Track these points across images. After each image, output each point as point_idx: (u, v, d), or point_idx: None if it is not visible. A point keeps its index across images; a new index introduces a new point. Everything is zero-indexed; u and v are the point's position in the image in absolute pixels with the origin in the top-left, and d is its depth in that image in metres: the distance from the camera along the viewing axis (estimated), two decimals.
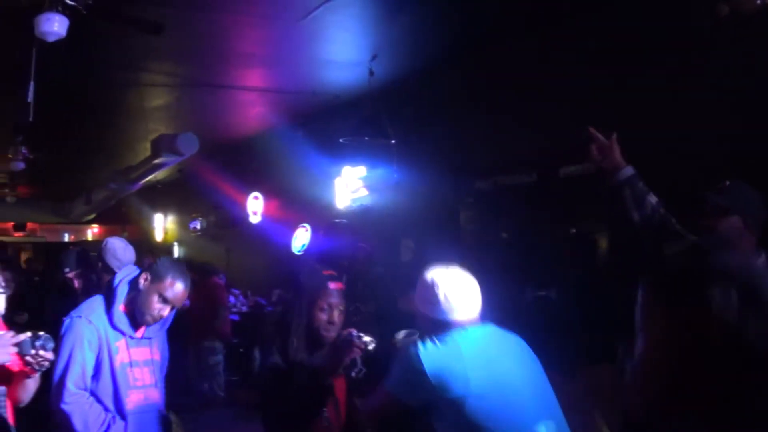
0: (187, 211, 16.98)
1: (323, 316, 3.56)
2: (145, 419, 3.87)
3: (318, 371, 3.47)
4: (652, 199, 3.67)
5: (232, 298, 11.50)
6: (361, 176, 8.66)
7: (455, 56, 7.42)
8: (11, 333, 3.14)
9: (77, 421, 3.62)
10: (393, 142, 7.89)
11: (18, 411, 3.51)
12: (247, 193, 12.75)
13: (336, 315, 3.58)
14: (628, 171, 3.71)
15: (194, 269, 10.70)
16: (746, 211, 3.31)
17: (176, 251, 18.17)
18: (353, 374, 3.49)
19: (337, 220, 8.67)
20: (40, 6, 5.35)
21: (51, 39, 5.44)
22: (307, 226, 10.90)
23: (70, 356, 3.67)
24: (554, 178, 6.45)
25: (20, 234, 23.05)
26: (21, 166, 11.63)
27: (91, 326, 3.75)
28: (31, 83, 7.10)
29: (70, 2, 5.34)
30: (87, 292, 5.75)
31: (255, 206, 12.66)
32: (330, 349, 3.53)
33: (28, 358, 3.09)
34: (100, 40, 6.89)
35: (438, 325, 3.20)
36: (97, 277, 5.85)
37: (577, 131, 3.87)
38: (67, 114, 10.10)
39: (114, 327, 3.80)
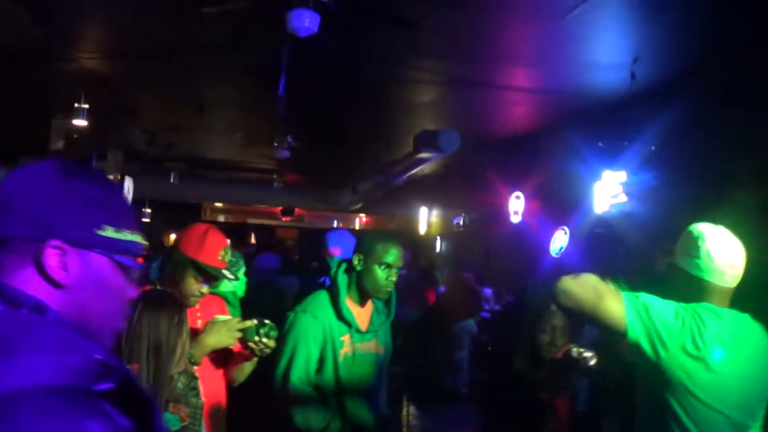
0: (451, 206, 17.64)
1: (545, 338, 3.84)
2: (364, 415, 4.05)
3: (539, 387, 3.74)
4: None
5: (488, 293, 11.86)
6: (621, 181, 8.81)
7: (719, 57, 7.37)
8: (238, 318, 3.56)
9: (299, 417, 3.81)
10: (653, 147, 8.06)
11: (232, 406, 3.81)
12: (509, 192, 13.16)
13: (558, 337, 3.83)
14: None
15: (448, 263, 11.42)
16: None
17: (438, 245, 18.93)
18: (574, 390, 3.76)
19: (598, 230, 8.93)
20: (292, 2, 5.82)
21: (302, 35, 5.87)
22: (566, 228, 11.16)
23: (293, 351, 3.85)
24: None
25: (288, 219, 24.51)
26: (286, 154, 12.66)
27: (316, 321, 3.90)
28: (282, 76, 7.85)
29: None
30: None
31: (516, 206, 13.07)
32: (551, 368, 3.75)
33: (251, 344, 3.47)
34: (364, 35, 7.33)
35: (691, 284, 3.12)
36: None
37: None
38: (333, 106, 10.92)
39: (340, 320, 3.96)
